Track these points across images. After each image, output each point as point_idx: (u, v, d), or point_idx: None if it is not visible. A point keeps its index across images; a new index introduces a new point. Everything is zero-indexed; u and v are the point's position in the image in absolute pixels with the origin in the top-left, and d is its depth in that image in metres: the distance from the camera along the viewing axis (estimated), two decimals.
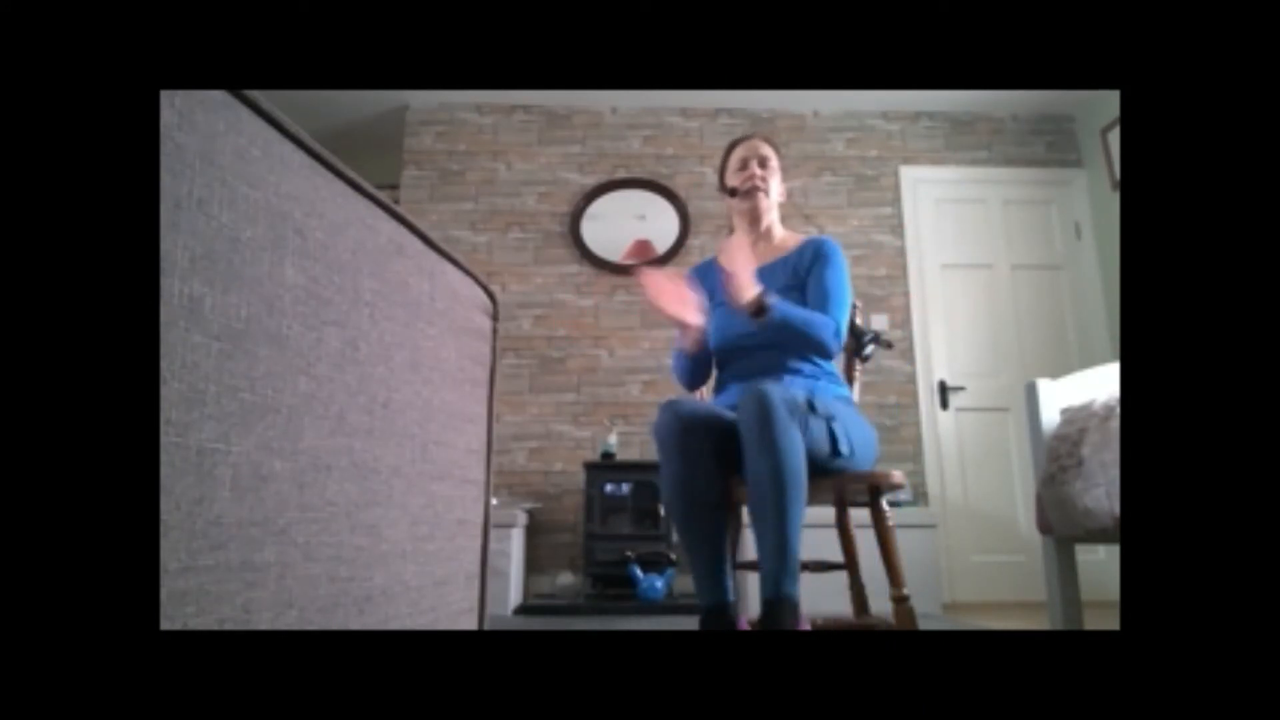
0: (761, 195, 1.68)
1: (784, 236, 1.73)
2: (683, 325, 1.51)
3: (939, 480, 3.43)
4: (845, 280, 1.61)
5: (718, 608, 1.31)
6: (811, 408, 1.39)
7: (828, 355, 1.54)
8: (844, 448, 1.43)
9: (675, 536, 1.31)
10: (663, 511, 3.07)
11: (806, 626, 1.33)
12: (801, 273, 1.63)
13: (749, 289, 1.42)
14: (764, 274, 1.65)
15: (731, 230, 1.82)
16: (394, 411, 0.82)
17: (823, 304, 1.57)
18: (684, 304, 1.49)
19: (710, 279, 1.74)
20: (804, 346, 1.50)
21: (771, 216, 1.73)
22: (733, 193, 1.71)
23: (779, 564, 1.22)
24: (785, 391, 1.30)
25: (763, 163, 1.70)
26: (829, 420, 1.41)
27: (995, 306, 3.64)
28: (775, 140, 1.78)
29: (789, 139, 3.79)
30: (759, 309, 1.43)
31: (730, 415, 1.47)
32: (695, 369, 1.64)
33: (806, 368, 1.56)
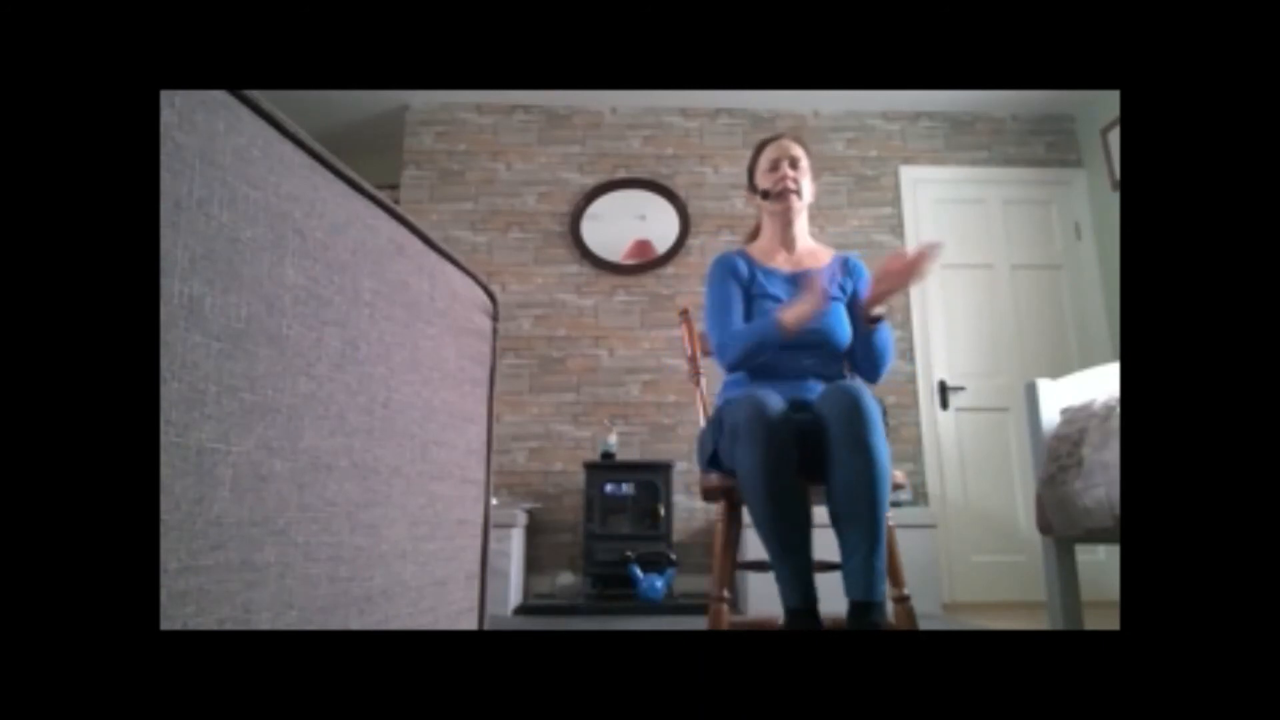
0: (794, 197, 1.67)
1: (815, 247, 1.75)
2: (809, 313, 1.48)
3: (939, 480, 3.43)
4: None
5: (809, 610, 1.28)
6: (883, 413, 1.44)
7: (877, 378, 1.63)
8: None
9: (760, 535, 1.29)
10: (662, 512, 3.07)
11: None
12: (845, 287, 1.69)
13: (885, 299, 1.48)
14: (801, 280, 1.67)
15: (756, 231, 1.81)
16: (394, 411, 0.82)
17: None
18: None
19: (751, 268, 1.68)
20: (882, 363, 1.60)
21: (802, 219, 1.73)
22: (765, 195, 1.69)
23: (871, 567, 1.23)
24: (870, 394, 1.32)
25: (794, 163, 1.69)
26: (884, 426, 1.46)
27: (995, 306, 3.64)
28: (805, 139, 1.76)
29: None
30: (877, 317, 1.53)
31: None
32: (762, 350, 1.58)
33: (826, 372, 1.59)
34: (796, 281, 1.66)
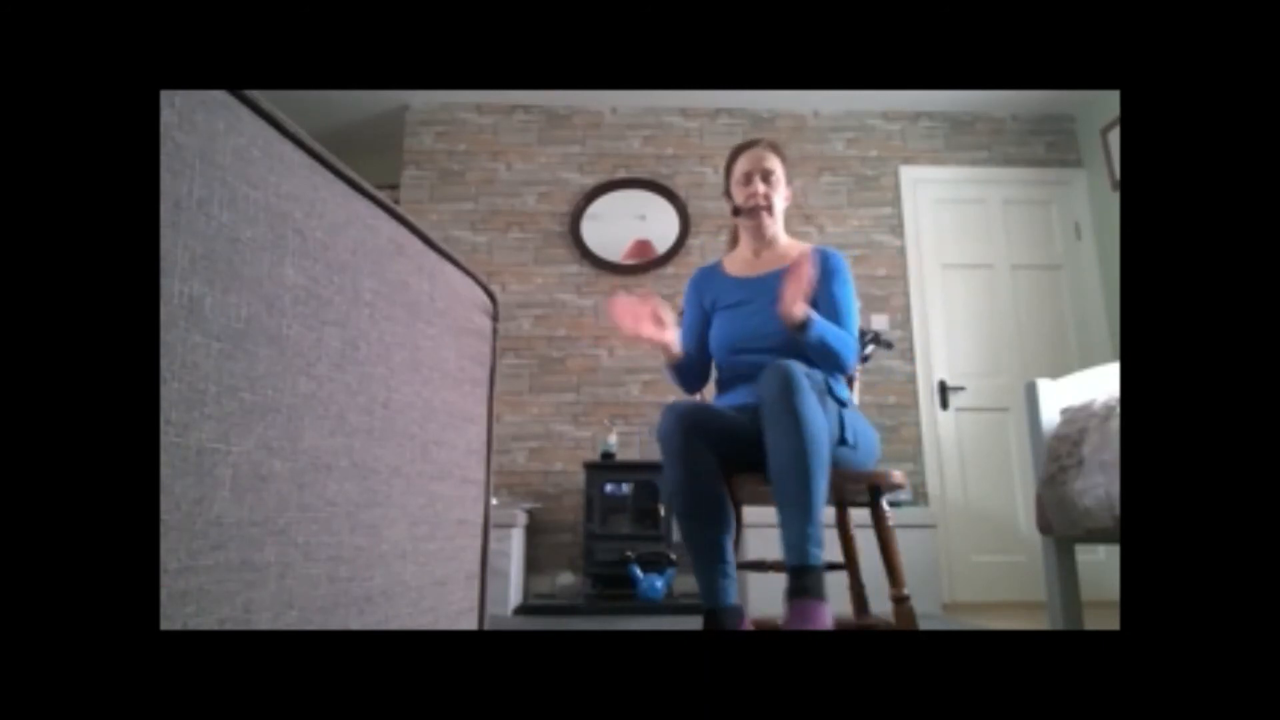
0: (764, 214, 1.67)
1: (787, 245, 1.73)
2: (656, 344, 1.51)
3: (939, 480, 3.43)
4: (853, 294, 1.65)
5: (720, 611, 1.32)
6: (830, 391, 1.44)
7: (846, 372, 1.57)
8: (849, 436, 1.46)
9: (678, 537, 1.35)
10: (662, 512, 3.08)
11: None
12: (814, 285, 1.64)
13: (800, 306, 1.43)
14: (768, 281, 1.66)
15: (736, 237, 1.82)
16: (394, 411, 0.82)
17: (835, 321, 1.59)
18: (652, 322, 1.47)
19: (715, 284, 1.73)
20: (828, 362, 1.51)
21: (775, 229, 1.72)
22: (736, 211, 1.70)
23: (803, 530, 1.22)
24: (806, 368, 1.33)
25: (766, 177, 1.67)
26: (840, 406, 1.46)
27: (995, 306, 3.64)
28: (779, 146, 1.74)
29: (789, 139, 3.79)
30: (802, 324, 1.46)
31: (733, 415, 1.48)
32: (689, 373, 1.69)
33: (812, 372, 1.58)
34: (753, 287, 1.67)
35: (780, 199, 1.70)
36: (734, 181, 1.72)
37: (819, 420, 1.27)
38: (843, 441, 1.45)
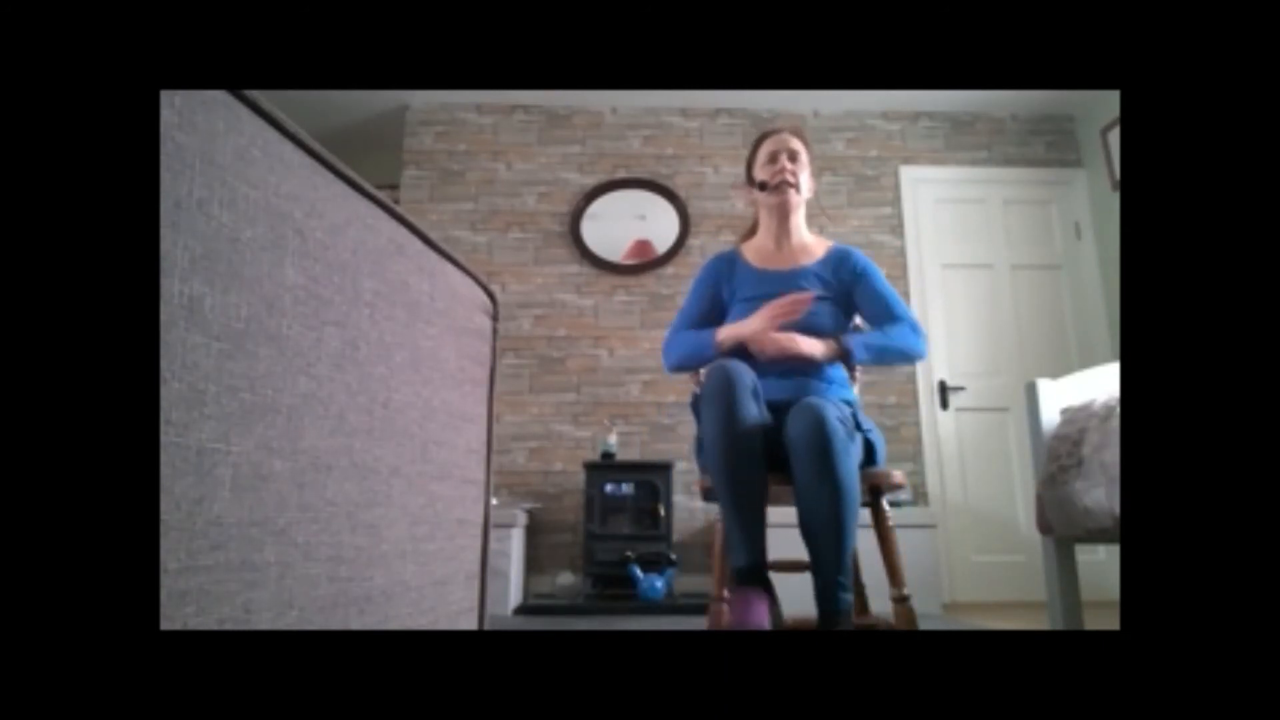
0: (792, 191, 1.66)
1: (810, 242, 1.71)
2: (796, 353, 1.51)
3: (939, 480, 3.43)
4: (886, 281, 1.66)
5: (757, 567, 1.31)
6: (856, 423, 1.42)
7: (917, 360, 1.58)
8: (879, 458, 1.47)
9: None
10: (662, 512, 3.07)
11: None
12: (838, 285, 1.64)
13: (819, 346, 1.46)
14: (790, 278, 1.64)
15: (754, 227, 1.79)
16: (394, 411, 0.82)
17: (888, 312, 1.61)
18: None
19: (735, 273, 1.70)
20: (900, 362, 1.55)
21: (799, 214, 1.71)
22: (762, 186, 1.68)
23: (836, 578, 1.27)
24: (837, 409, 1.31)
25: (793, 157, 1.67)
26: (867, 433, 1.45)
27: (995, 306, 3.64)
28: (806, 134, 1.75)
29: None
30: (843, 354, 1.50)
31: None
32: (697, 360, 1.66)
33: (813, 370, 1.57)
34: (776, 282, 1.64)
35: (805, 181, 1.69)
36: (759, 164, 1.71)
37: (854, 475, 1.28)
38: (870, 463, 1.46)
